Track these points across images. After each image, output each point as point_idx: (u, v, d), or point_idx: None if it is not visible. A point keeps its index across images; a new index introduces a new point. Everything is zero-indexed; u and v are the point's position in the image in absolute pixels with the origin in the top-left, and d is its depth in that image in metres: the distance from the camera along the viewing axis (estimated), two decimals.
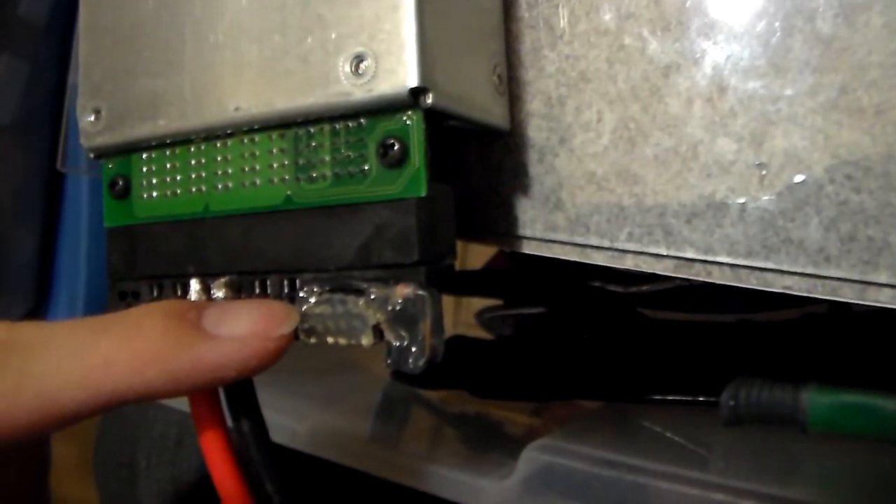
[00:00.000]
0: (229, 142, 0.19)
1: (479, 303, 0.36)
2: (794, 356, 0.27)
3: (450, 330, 0.38)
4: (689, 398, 0.27)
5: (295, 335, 0.17)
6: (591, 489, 0.22)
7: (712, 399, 0.26)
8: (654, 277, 0.27)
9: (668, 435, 0.26)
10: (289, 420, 0.28)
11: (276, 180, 0.19)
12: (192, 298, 0.20)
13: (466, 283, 0.34)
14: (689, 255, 0.19)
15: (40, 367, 0.15)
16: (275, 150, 0.19)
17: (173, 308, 0.17)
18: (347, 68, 0.17)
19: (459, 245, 0.21)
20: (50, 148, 0.34)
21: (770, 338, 0.28)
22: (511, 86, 0.20)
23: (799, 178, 0.17)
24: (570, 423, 0.28)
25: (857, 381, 0.23)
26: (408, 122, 0.17)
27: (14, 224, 0.34)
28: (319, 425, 0.29)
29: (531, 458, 0.23)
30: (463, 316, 0.42)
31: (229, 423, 0.19)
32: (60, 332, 0.16)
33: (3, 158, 0.33)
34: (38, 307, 0.36)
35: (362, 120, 0.18)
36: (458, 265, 0.18)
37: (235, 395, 0.19)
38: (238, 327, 0.16)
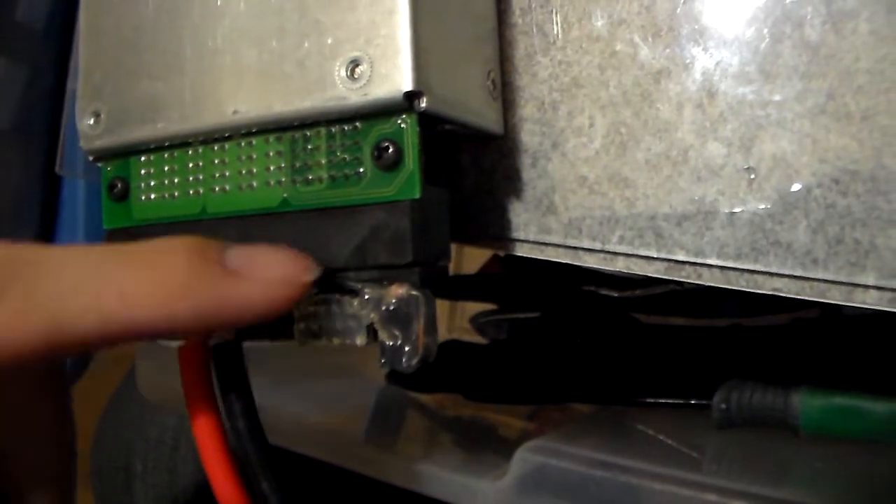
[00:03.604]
0: (227, 145, 0.20)
1: (473, 307, 0.36)
2: (785, 360, 0.27)
3: (445, 334, 0.38)
4: (682, 401, 0.28)
5: (290, 335, 0.18)
6: (584, 490, 0.22)
7: (704, 402, 0.26)
8: (647, 282, 0.27)
9: (661, 438, 0.26)
10: (285, 422, 0.28)
11: (272, 183, 0.19)
12: None
13: (461, 288, 0.35)
14: (680, 257, 0.19)
15: (50, 287, 0.14)
16: (271, 153, 0.19)
17: (196, 244, 0.16)
18: (343, 73, 0.18)
19: (455, 250, 0.21)
20: (47, 152, 0.34)
21: (762, 342, 0.28)
22: (504, 91, 0.21)
23: (787, 182, 0.18)
24: (563, 426, 0.29)
25: (849, 384, 0.24)
26: (402, 126, 0.17)
27: (11, 227, 0.34)
28: (316, 427, 0.29)
29: (524, 458, 0.23)
30: (458, 320, 0.43)
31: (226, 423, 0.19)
32: (73, 253, 0.15)
33: (1, 162, 0.34)
34: None
35: (358, 123, 0.18)
36: (453, 270, 0.19)
37: (232, 395, 0.19)
38: (266, 270, 0.16)
